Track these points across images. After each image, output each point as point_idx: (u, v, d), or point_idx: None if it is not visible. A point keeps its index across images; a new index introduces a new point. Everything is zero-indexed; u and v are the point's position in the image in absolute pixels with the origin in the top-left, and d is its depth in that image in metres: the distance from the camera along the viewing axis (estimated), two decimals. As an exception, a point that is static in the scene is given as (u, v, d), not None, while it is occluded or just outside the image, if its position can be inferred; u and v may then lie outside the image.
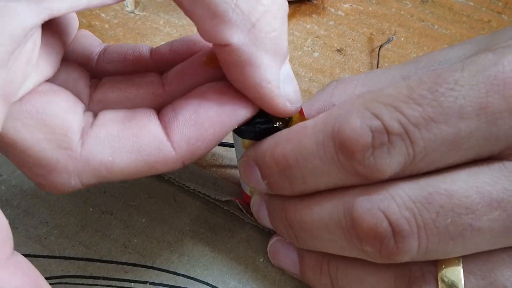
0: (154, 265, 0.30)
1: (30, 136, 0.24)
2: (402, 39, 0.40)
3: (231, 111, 0.25)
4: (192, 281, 0.30)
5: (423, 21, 0.41)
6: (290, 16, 0.42)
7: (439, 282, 0.24)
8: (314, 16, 0.42)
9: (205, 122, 0.25)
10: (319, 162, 0.24)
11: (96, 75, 0.29)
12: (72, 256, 0.31)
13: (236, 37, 0.23)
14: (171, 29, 0.42)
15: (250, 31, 0.23)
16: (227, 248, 0.31)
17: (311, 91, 0.38)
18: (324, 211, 0.25)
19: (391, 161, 0.22)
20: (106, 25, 0.42)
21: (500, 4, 0.42)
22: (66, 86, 0.26)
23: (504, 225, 0.22)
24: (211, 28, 0.24)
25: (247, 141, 0.27)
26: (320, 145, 0.24)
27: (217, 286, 0.30)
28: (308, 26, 0.41)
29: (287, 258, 0.29)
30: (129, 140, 0.25)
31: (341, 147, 0.23)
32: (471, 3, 0.42)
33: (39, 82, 0.24)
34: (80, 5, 0.22)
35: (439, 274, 0.24)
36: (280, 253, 0.29)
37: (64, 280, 0.30)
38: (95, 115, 0.26)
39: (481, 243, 0.23)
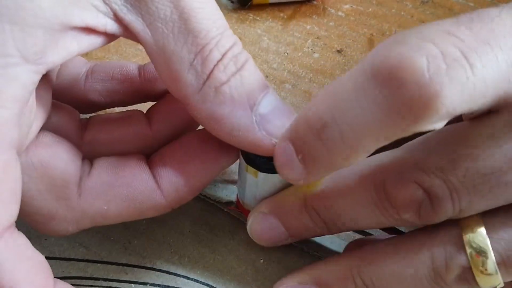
0: (155, 267, 0.30)
1: (34, 187, 0.24)
2: (403, 40, 0.40)
3: (215, 159, 0.27)
4: (193, 282, 0.30)
5: (423, 22, 0.41)
6: (290, 17, 0.42)
7: (467, 248, 0.24)
8: (314, 17, 0.42)
9: (192, 170, 0.26)
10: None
11: (86, 96, 0.29)
12: (72, 257, 0.31)
13: (191, 96, 0.23)
14: (171, 30, 0.42)
15: (203, 88, 0.23)
16: (228, 249, 0.31)
17: (311, 92, 0.38)
18: (355, 192, 0.25)
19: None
20: (107, 26, 0.42)
21: (500, 5, 0.42)
22: (59, 129, 0.27)
23: None
24: (169, 85, 0.24)
25: (251, 168, 0.26)
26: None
27: (217, 287, 0.30)
28: (308, 27, 0.41)
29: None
30: (123, 189, 0.26)
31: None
32: (471, 4, 0.42)
33: (38, 127, 0.25)
34: (71, 53, 0.23)
35: (467, 240, 0.24)
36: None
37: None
38: (91, 162, 0.26)
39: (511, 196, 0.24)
